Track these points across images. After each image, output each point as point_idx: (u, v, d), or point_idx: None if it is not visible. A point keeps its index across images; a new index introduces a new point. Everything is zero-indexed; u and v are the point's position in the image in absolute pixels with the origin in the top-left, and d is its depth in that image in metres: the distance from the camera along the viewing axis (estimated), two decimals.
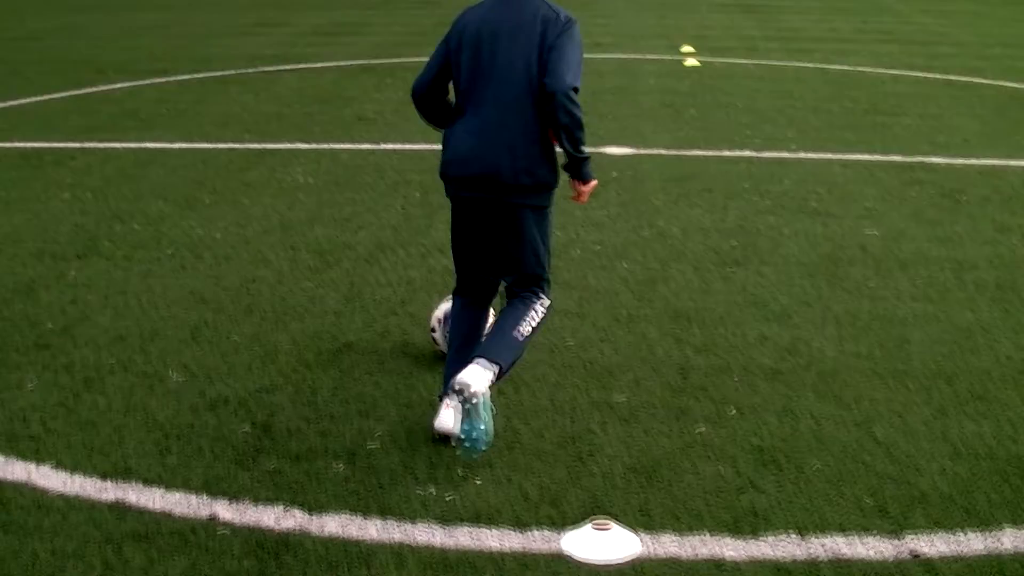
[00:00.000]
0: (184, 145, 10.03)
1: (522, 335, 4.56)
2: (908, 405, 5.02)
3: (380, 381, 5.23)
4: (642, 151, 9.82)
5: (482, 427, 4.24)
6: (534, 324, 4.63)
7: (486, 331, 4.85)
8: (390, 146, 10.01)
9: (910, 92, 13.19)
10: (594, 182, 4.64)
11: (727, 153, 9.81)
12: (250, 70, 14.46)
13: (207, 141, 10.21)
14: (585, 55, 4.49)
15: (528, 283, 4.68)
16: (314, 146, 10.00)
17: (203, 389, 5.13)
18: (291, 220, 7.80)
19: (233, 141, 10.19)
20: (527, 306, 4.64)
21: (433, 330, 5.40)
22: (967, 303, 6.34)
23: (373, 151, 9.83)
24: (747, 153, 9.85)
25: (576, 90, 4.39)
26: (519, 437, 4.69)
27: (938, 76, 14.38)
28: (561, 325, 5.92)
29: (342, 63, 15.16)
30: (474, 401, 4.23)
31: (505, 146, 4.45)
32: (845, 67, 15.07)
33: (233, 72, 14.28)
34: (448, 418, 4.46)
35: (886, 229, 7.72)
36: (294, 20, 20.69)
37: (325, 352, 5.58)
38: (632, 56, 16.01)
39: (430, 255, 6.96)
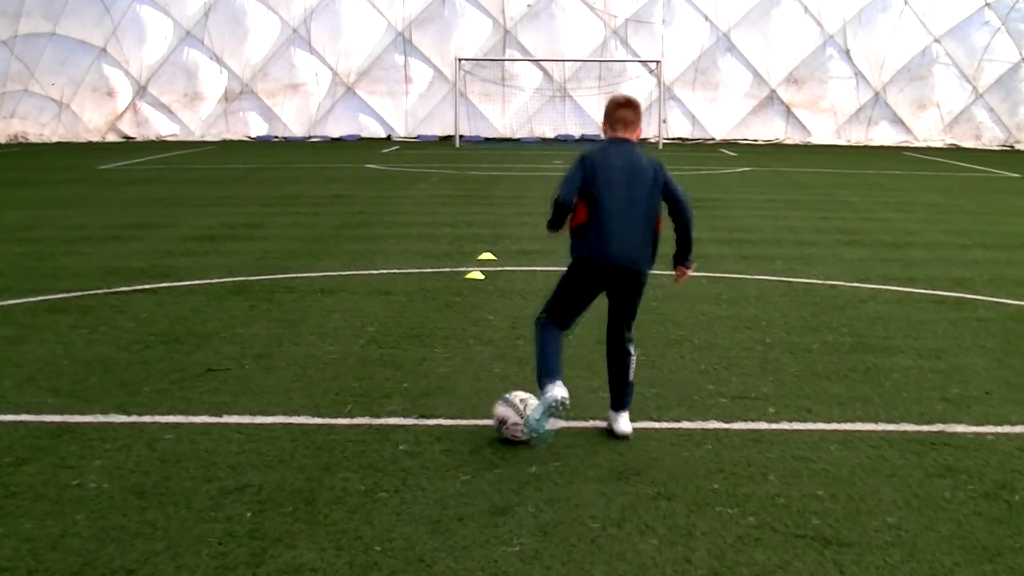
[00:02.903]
0: None
1: (633, 378, 7.13)
2: None
3: None
4: (573, 424, 7.30)
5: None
6: (635, 366, 7.15)
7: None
8: (234, 419, 7.36)
9: (897, 315, 10.94)
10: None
11: (687, 425, 7.33)
12: (100, 291, 11.78)
13: None
14: None
15: (630, 327, 7.11)
16: (134, 419, 7.34)
17: None
18: (47, 574, 5.14)
19: (27, 411, 7.51)
20: (629, 357, 7.07)
21: (503, 423, 6.87)
22: None
23: (209, 428, 7.18)
24: (713, 425, 7.38)
25: None
26: None
27: (923, 291, 12.21)
28: None
29: (216, 280, 12.51)
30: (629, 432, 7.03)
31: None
32: (813, 280, 12.84)
33: (78, 294, 11.59)
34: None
35: (928, 570, 5.27)
36: (183, 220, 18.06)
37: None
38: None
39: None
